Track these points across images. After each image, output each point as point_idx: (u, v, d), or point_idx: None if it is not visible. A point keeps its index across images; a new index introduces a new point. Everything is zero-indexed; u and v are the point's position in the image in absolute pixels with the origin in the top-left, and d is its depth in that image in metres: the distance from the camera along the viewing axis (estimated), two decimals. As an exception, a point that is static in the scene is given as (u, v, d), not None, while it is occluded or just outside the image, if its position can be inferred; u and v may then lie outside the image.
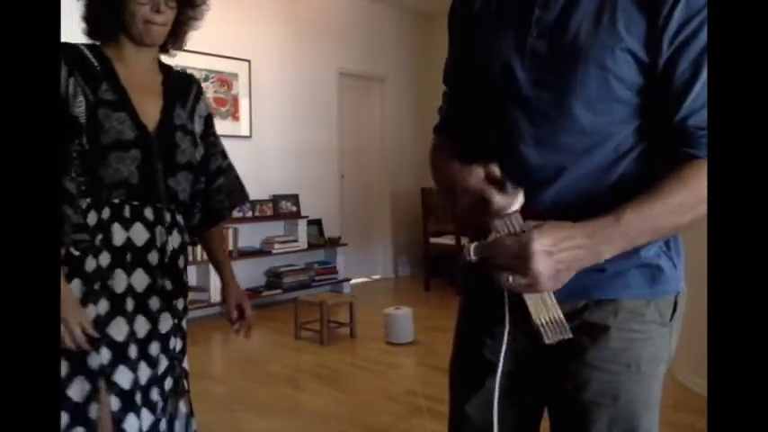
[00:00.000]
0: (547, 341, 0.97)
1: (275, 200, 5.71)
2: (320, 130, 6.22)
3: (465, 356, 1.20)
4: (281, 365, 3.89)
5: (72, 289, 1.38)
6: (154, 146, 1.45)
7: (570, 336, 0.96)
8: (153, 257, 1.46)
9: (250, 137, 5.55)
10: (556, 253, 0.89)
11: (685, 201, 0.93)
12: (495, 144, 1.06)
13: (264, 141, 5.66)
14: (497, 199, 0.95)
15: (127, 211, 1.43)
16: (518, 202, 0.95)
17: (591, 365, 1.03)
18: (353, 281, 6.38)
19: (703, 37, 0.93)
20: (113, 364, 1.41)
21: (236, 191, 1.69)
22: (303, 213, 5.88)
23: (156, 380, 1.48)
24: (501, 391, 1.07)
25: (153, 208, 1.46)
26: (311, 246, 5.89)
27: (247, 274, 5.39)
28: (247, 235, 5.45)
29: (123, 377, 1.42)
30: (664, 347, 1.06)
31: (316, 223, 6.07)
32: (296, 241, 5.75)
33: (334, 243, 6.11)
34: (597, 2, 0.97)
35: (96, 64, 1.44)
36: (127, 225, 1.43)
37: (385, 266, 7.04)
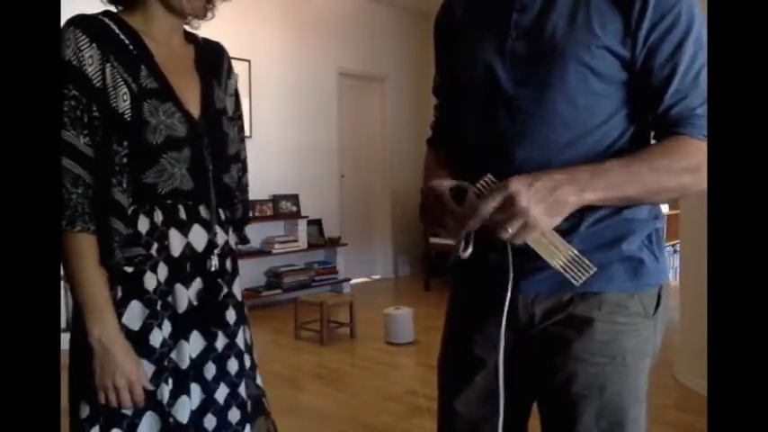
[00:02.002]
0: (576, 282, 0.97)
1: (275, 200, 5.71)
2: (320, 130, 6.22)
3: (454, 353, 1.21)
4: (281, 365, 3.89)
5: (132, 318, 1.14)
6: (203, 140, 1.21)
7: (595, 269, 0.96)
8: (213, 263, 1.23)
9: (250, 137, 5.55)
10: (535, 184, 0.92)
11: (667, 164, 0.97)
12: (482, 145, 1.09)
13: (264, 141, 5.66)
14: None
15: (183, 213, 1.19)
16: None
17: (577, 358, 1.05)
18: (353, 281, 6.38)
19: (677, 32, 0.97)
20: (174, 393, 1.18)
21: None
22: (303, 213, 5.88)
23: (212, 407, 1.23)
24: (489, 389, 1.10)
25: (207, 205, 1.22)
26: (311, 246, 5.89)
27: (247, 274, 5.39)
28: (247, 235, 5.44)
29: (182, 409, 1.18)
30: (649, 340, 1.08)
31: (316, 223, 6.07)
32: (296, 241, 5.74)
33: (334, 243, 6.11)
34: (571, 3, 1.00)
35: (128, 42, 1.16)
36: (185, 230, 1.19)
37: (385, 266, 7.04)
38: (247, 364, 1.30)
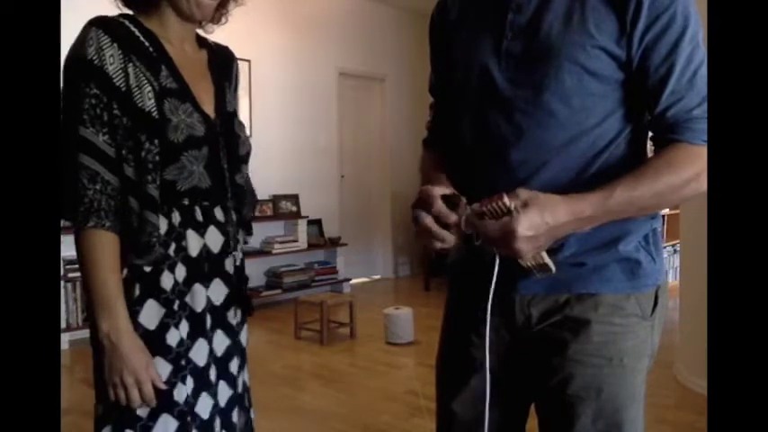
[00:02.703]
0: (537, 275, 1.01)
1: (275, 200, 5.71)
2: (320, 130, 6.22)
3: (451, 354, 1.21)
4: (281, 365, 3.89)
5: (149, 316, 1.15)
6: (220, 140, 1.24)
7: (554, 271, 0.98)
8: (229, 264, 1.27)
9: (250, 137, 5.52)
10: (540, 236, 0.93)
11: (672, 182, 0.96)
12: (477, 146, 1.09)
13: (264, 141, 5.65)
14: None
15: (199, 214, 1.21)
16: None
17: (574, 360, 1.05)
18: (353, 281, 6.38)
19: (673, 32, 0.97)
20: (196, 393, 1.19)
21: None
22: (303, 213, 5.88)
23: (237, 399, 1.29)
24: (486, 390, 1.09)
25: (222, 207, 1.25)
26: (311, 246, 5.89)
27: (247, 273, 5.39)
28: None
29: (203, 406, 1.20)
30: (646, 341, 1.08)
31: (316, 223, 6.07)
32: (296, 241, 5.75)
33: (334, 243, 6.11)
34: (567, 3, 1.00)
35: (147, 44, 1.18)
36: (201, 230, 1.21)
37: (385, 266, 7.04)
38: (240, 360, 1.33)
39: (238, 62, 1.39)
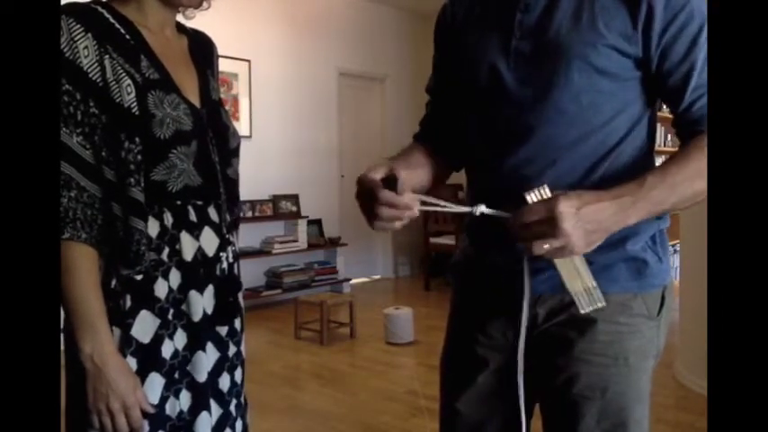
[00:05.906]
0: (582, 311, 0.97)
1: (275, 200, 5.72)
2: (320, 130, 6.22)
3: (456, 353, 1.21)
4: (281, 365, 3.89)
5: (144, 328, 1.06)
6: (208, 132, 1.14)
7: (603, 304, 0.95)
8: (223, 268, 1.16)
9: (250, 137, 5.55)
10: (582, 210, 0.89)
11: (699, 167, 0.94)
12: (485, 144, 1.09)
13: (264, 141, 5.66)
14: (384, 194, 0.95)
15: (193, 215, 1.11)
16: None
17: (579, 359, 1.04)
18: (353, 281, 6.38)
19: (691, 29, 0.97)
20: (194, 410, 1.10)
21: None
22: (303, 213, 5.88)
23: (228, 421, 1.18)
24: (491, 389, 1.09)
25: (215, 206, 1.15)
26: (311, 246, 5.89)
27: (247, 274, 5.38)
28: (247, 235, 5.45)
29: (203, 425, 1.11)
30: (652, 341, 1.08)
31: (316, 223, 6.07)
32: (296, 241, 5.75)
33: (334, 243, 6.12)
34: (576, 2, 1.00)
35: (123, 31, 1.09)
36: (196, 232, 1.11)
37: (385, 266, 7.04)
38: (240, 376, 1.25)
39: (217, 48, 1.31)
